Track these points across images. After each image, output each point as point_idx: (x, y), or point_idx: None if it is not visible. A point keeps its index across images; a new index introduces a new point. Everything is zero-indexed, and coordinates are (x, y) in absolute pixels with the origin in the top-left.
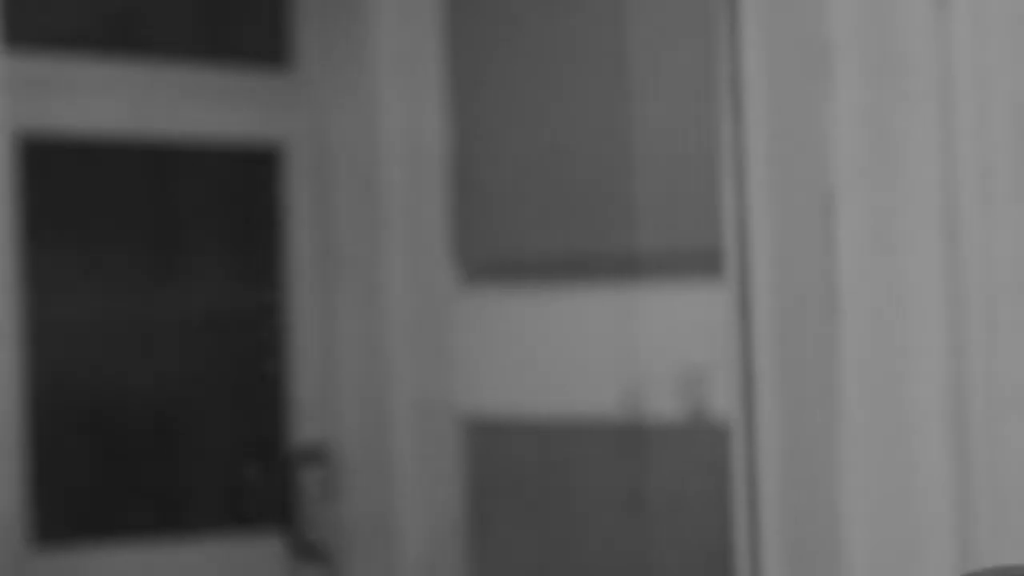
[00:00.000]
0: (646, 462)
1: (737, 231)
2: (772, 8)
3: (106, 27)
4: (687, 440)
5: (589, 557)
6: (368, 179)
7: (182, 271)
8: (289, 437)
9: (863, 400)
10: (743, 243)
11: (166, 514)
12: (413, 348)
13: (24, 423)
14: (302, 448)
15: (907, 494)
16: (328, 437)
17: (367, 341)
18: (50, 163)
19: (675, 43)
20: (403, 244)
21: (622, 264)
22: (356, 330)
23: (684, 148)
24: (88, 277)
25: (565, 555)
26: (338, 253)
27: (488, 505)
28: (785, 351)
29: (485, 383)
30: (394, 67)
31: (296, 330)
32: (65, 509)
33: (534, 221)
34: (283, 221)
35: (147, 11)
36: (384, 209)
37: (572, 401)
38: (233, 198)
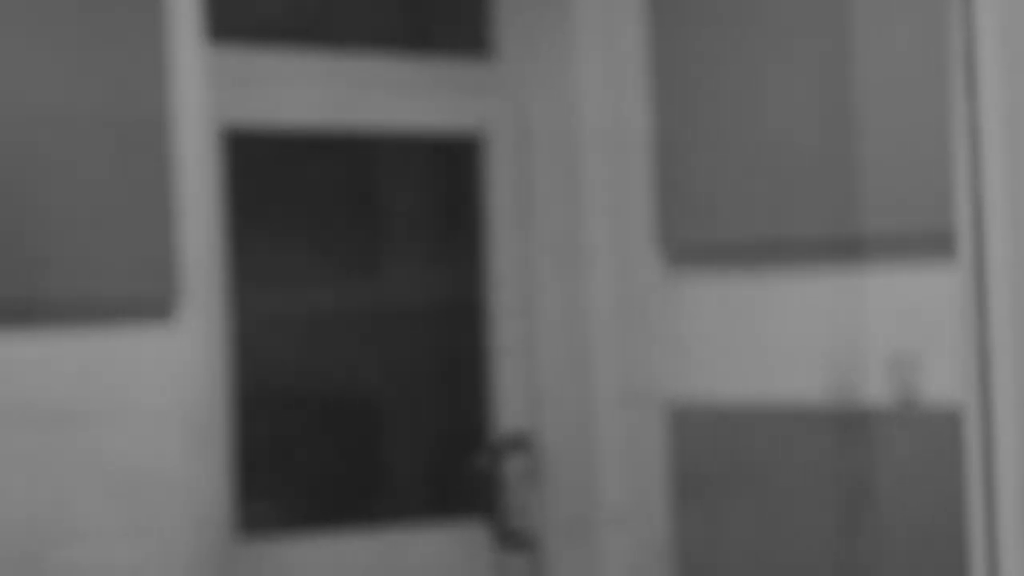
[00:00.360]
0: (857, 448)
1: (972, 214)
2: None
3: (308, 19)
4: (899, 426)
5: (799, 543)
6: (570, 165)
7: (384, 261)
8: (493, 426)
9: None
10: (979, 226)
11: (371, 504)
12: (617, 334)
13: (231, 416)
14: (506, 437)
15: None
16: (532, 425)
17: (570, 328)
18: (253, 155)
19: (903, 17)
20: (606, 230)
21: (830, 247)
22: (559, 317)
23: (907, 130)
24: (291, 268)
25: (774, 542)
26: (540, 240)
27: (693, 491)
28: (1022, 335)
29: (690, 369)
30: (595, 52)
31: (499, 318)
32: (271, 500)
33: (740, 204)
34: (485, 209)
35: (348, 3)
36: (586, 195)
37: (779, 387)
38: (435, 187)
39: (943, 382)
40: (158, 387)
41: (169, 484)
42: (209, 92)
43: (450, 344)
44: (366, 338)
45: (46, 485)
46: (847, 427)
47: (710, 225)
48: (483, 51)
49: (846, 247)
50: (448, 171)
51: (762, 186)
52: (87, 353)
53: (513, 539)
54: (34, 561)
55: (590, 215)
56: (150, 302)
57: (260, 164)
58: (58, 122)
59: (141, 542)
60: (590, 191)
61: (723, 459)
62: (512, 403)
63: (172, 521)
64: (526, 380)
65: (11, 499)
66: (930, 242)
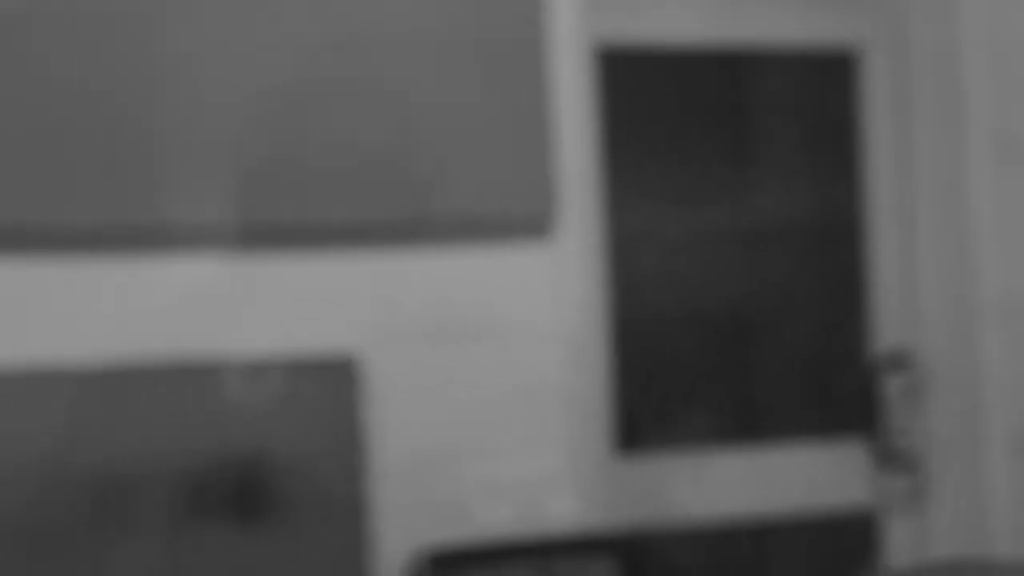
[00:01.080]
0: None
1: None
2: None
3: None
4: None
5: None
6: (950, 79)
7: (759, 177)
8: (872, 344)
9: None
10: None
11: (748, 422)
12: (1000, 247)
13: (609, 333)
14: (886, 355)
15: None
16: (912, 342)
17: (950, 242)
18: (626, 72)
19: None
20: (988, 143)
21: None
22: (938, 232)
23: None
24: (665, 186)
25: None
26: (918, 155)
27: None
28: None
29: None
30: None
31: (877, 234)
32: (649, 417)
33: None
34: (862, 124)
35: None
36: (966, 109)
37: None
38: (809, 103)
39: None
40: (537, 305)
41: (554, 400)
42: (583, 11)
43: (827, 261)
44: (741, 256)
45: (446, 401)
46: None
47: None
48: None
49: None
50: (823, 86)
51: None
52: (469, 271)
53: (894, 459)
54: (453, 477)
55: (971, 129)
56: (528, 220)
57: (633, 82)
58: (436, 46)
59: (537, 457)
60: (971, 105)
61: None
62: (891, 320)
63: (560, 437)
64: (906, 296)
65: (420, 417)
66: None
